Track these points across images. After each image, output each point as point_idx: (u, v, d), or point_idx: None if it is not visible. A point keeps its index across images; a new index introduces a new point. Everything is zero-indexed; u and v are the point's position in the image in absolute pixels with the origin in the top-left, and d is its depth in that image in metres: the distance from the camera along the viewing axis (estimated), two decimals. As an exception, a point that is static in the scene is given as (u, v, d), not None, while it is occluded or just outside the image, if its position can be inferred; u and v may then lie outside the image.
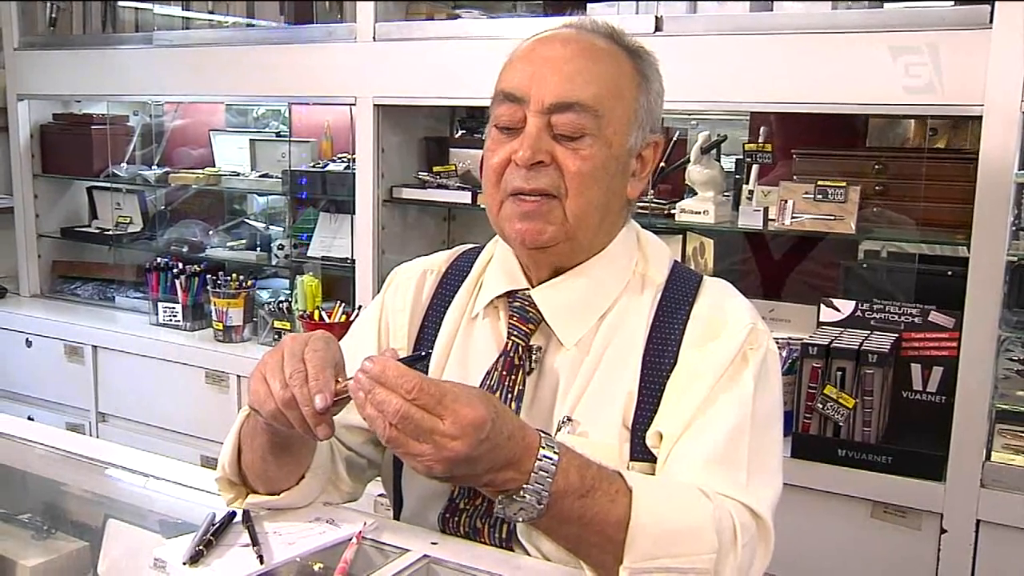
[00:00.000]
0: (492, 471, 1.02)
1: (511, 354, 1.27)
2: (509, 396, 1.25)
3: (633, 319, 1.26)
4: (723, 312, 1.26)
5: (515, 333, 1.27)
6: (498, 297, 1.32)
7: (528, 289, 1.29)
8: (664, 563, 1.05)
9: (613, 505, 1.05)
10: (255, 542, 1.17)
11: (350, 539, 1.20)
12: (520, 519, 1.04)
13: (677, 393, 1.21)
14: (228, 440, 1.26)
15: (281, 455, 1.21)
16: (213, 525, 1.20)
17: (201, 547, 1.14)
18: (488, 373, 1.28)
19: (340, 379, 1.08)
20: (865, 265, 2.37)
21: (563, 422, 1.23)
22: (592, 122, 1.20)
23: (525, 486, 1.02)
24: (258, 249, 3.24)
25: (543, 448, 1.03)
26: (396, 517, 1.40)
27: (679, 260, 1.37)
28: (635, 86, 1.26)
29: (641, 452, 1.21)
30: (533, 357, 1.27)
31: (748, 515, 1.12)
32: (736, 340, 1.22)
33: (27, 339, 3.35)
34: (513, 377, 1.26)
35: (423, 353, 1.16)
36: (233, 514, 1.23)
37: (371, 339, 1.40)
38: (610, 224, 1.29)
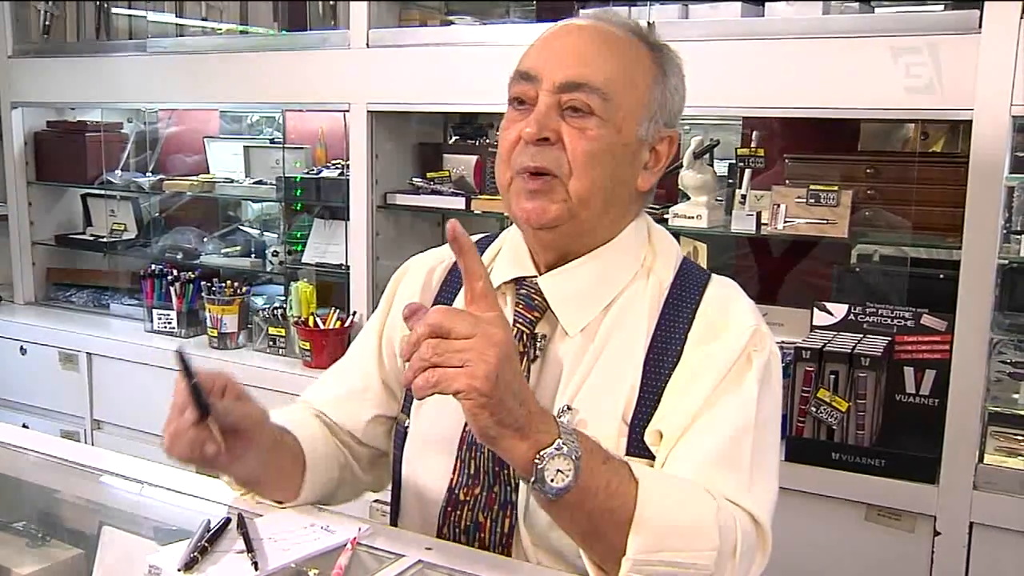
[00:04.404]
0: (526, 408, 1.03)
1: (515, 341, 1.26)
2: None
3: (638, 312, 1.27)
4: (726, 313, 1.26)
5: (520, 320, 1.28)
6: (506, 284, 1.32)
7: (535, 277, 1.30)
8: (665, 556, 1.06)
9: (627, 486, 1.06)
10: (250, 548, 1.17)
11: (345, 545, 1.20)
12: (560, 483, 1.02)
13: (678, 392, 1.21)
14: None
15: (268, 474, 1.26)
16: (208, 531, 1.20)
17: (196, 553, 1.14)
18: None
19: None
20: (858, 269, 2.38)
21: (563, 410, 1.23)
22: (600, 104, 1.21)
23: (558, 440, 1.03)
24: (252, 256, 3.24)
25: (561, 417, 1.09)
26: (393, 523, 1.41)
27: (687, 257, 1.37)
28: (650, 77, 1.26)
29: (638, 448, 1.21)
30: (537, 344, 1.27)
31: (749, 521, 1.13)
32: (739, 341, 1.22)
33: (21, 346, 3.34)
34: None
35: (193, 382, 1.16)
36: (228, 520, 1.24)
37: (376, 326, 1.44)
38: (617, 213, 1.29)
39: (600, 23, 1.27)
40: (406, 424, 1.35)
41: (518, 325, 1.28)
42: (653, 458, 1.20)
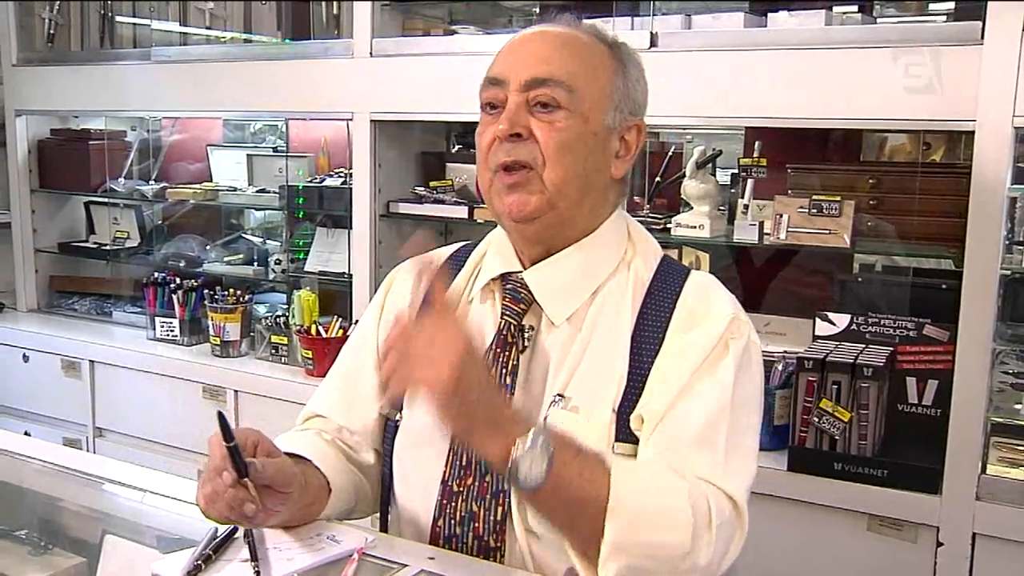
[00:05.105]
0: (492, 405, 1.08)
1: (504, 333, 1.32)
2: (504, 371, 1.30)
3: (622, 303, 1.31)
4: (707, 302, 1.30)
5: (507, 313, 1.33)
6: (493, 280, 1.37)
7: (520, 271, 1.34)
8: (641, 538, 1.10)
9: (600, 475, 1.11)
10: (254, 557, 1.17)
11: (350, 555, 1.20)
12: (534, 476, 1.06)
13: (659, 379, 1.25)
14: None
15: (296, 515, 1.28)
16: (214, 540, 1.20)
17: (199, 562, 1.14)
18: (485, 352, 1.31)
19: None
20: (860, 279, 2.38)
21: (556, 399, 1.27)
22: (566, 96, 1.27)
23: (529, 434, 1.07)
24: (255, 264, 3.24)
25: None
26: (383, 518, 1.44)
27: (668, 255, 1.40)
28: (611, 70, 1.32)
29: (625, 434, 1.25)
30: (525, 336, 1.32)
31: (723, 498, 1.16)
32: (717, 329, 1.26)
33: (24, 354, 3.35)
34: (507, 354, 1.31)
35: (232, 444, 1.18)
36: (235, 529, 1.24)
37: (371, 328, 1.47)
38: (594, 202, 1.33)
39: (558, 27, 1.33)
40: (396, 419, 1.39)
41: (506, 317, 1.32)
42: (639, 443, 1.23)
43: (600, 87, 1.30)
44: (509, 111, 1.27)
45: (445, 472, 1.30)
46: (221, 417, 1.16)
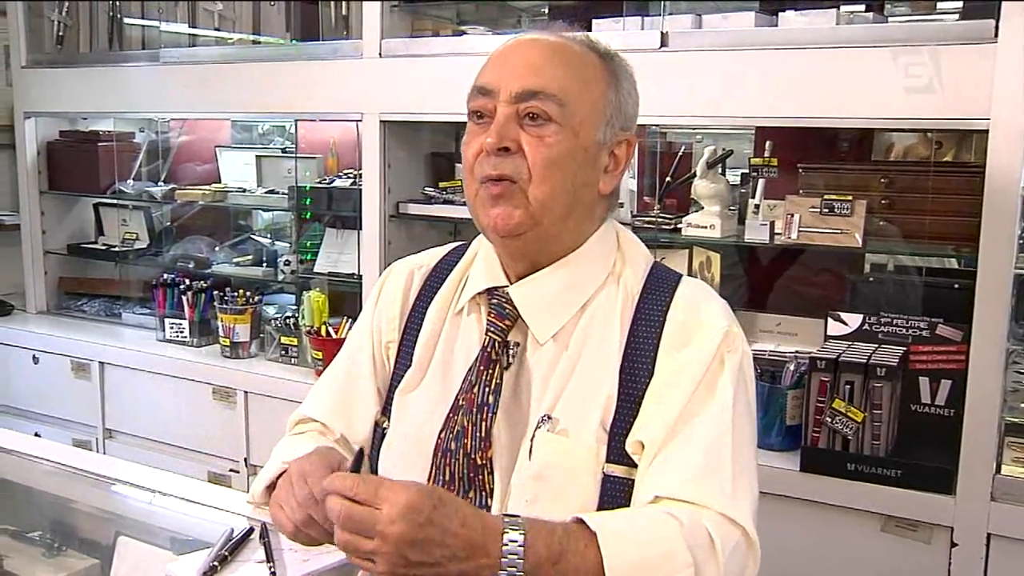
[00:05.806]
0: (457, 560, 1.02)
1: (488, 349, 1.29)
2: (487, 390, 1.26)
3: (610, 319, 1.28)
4: (698, 314, 1.26)
5: (492, 329, 1.30)
6: (479, 294, 1.34)
7: (506, 286, 1.31)
8: None
9: (584, 560, 1.06)
10: (269, 559, 1.17)
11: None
12: None
13: (655, 400, 1.22)
14: (262, 477, 1.27)
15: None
16: (229, 540, 1.20)
17: (215, 563, 1.14)
18: (470, 368, 1.30)
19: None
20: (872, 278, 2.37)
21: (542, 420, 1.24)
22: (557, 110, 1.23)
23: (500, 573, 1.03)
24: (264, 265, 3.24)
25: (508, 531, 1.04)
26: None
27: (659, 261, 1.37)
28: (603, 83, 1.29)
29: (618, 455, 1.21)
30: (510, 352, 1.29)
31: (731, 526, 1.13)
32: (712, 343, 1.23)
33: (34, 356, 3.35)
34: (490, 371, 1.27)
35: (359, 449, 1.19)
36: (251, 530, 1.23)
37: (366, 332, 1.44)
38: (581, 217, 1.30)
39: (550, 36, 1.30)
40: (384, 427, 1.37)
41: (490, 334, 1.29)
42: (634, 466, 1.20)
43: (592, 101, 1.27)
44: (498, 123, 1.24)
45: (428, 484, 1.27)
46: (360, 456, 1.16)
